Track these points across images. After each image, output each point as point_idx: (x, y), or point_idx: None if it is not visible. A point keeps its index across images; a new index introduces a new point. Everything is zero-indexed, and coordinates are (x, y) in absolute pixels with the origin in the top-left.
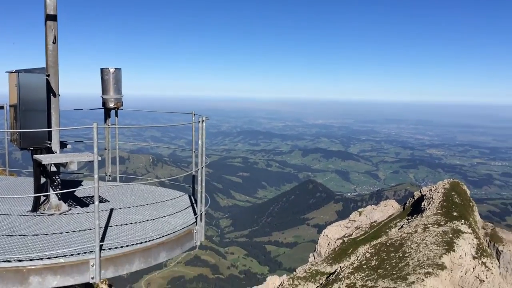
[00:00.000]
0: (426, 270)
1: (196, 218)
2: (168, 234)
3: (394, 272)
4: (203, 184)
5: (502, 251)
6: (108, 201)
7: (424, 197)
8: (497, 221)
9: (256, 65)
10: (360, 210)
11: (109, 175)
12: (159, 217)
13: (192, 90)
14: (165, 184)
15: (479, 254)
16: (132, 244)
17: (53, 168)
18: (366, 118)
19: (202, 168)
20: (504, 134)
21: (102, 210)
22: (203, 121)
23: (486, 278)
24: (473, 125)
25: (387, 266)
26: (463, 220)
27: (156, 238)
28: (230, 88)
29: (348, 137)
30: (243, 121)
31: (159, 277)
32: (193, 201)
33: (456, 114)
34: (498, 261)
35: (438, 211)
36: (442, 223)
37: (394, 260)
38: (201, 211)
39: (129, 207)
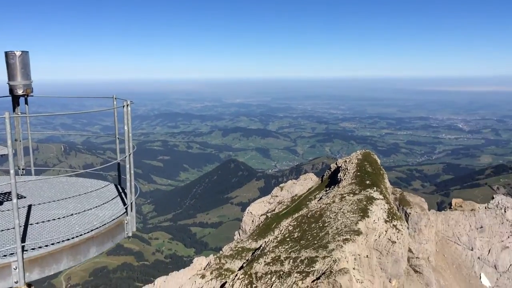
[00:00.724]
0: (344, 237)
1: (126, 208)
2: (97, 228)
3: (315, 242)
4: (132, 172)
5: (410, 213)
6: (25, 197)
7: (340, 168)
8: (404, 186)
9: (172, 46)
10: (281, 185)
11: (23, 169)
12: (84, 210)
13: (105, 74)
14: (86, 174)
15: (390, 218)
16: (58, 242)
17: None
18: (283, 95)
19: (129, 155)
20: (407, 105)
21: (20, 208)
22: (127, 105)
23: (397, 239)
24: (380, 98)
25: (309, 237)
26: (375, 188)
27: (84, 233)
28: (146, 70)
29: (266, 115)
30: (160, 103)
31: (80, 270)
32: (120, 190)
33: (365, 88)
34: (407, 222)
35: (353, 181)
36: (357, 192)
37: (315, 231)
38: (131, 200)
39: (49, 202)
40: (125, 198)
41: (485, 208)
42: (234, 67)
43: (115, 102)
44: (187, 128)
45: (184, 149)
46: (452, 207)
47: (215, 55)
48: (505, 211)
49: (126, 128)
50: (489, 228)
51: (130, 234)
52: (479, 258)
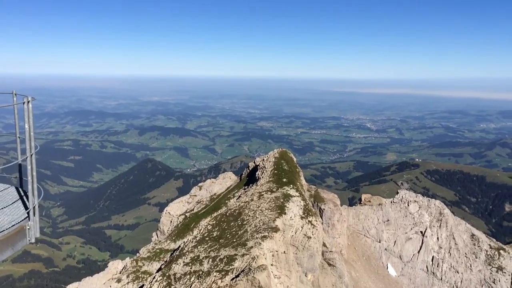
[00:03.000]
0: (262, 234)
1: (28, 213)
2: None
3: (234, 240)
4: (34, 173)
5: (323, 209)
6: None
7: (258, 167)
8: (318, 183)
9: (83, 40)
10: (200, 184)
11: None
12: None
13: (6, 67)
14: None
15: (306, 214)
16: None
17: None
18: (201, 94)
19: (31, 155)
20: (320, 105)
21: None
22: (28, 102)
23: (313, 234)
24: (295, 98)
25: (228, 235)
26: (291, 185)
27: None
28: (54, 65)
29: (184, 114)
30: (70, 100)
31: None
32: (22, 194)
33: (281, 88)
34: (321, 218)
35: (271, 179)
36: (274, 190)
37: (234, 229)
38: (33, 204)
39: None
40: (27, 202)
41: (391, 202)
42: (149, 63)
43: (15, 99)
44: (101, 127)
45: (97, 148)
46: (362, 202)
47: (129, 51)
48: (408, 205)
49: (27, 126)
50: (395, 221)
51: (33, 240)
52: (386, 249)
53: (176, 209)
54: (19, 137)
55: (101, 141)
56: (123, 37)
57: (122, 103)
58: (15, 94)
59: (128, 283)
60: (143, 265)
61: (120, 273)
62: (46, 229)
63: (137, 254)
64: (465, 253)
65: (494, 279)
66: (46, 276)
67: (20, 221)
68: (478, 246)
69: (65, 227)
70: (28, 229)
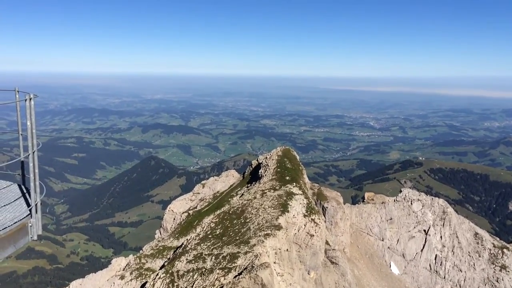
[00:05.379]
0: (265, 232)
1: (30, 210)
2: None
3: (237, 238)
4: (36, 170)
5: (326, 207)
6: None
7: (261, 165)
8: (321, 181)
9: (86, 37)
10: (203, 182)
11: None
12: None
13: (11, 64)
14: None
15: (308, 212)
16: None
17: None
18: (204, 92)
19: (33, 152)
20: (323, 103)
21: None
22: (30, 99)
23: (315, 232)
24: (298, 96)
25: (231, 233)
26: (294, 183)
27: None
28: (57, 62)
29: (187, 111)
30: (74, 98)
31: None
32: (24, 191)
33: (284, 86)
34: (324, 216)
35: (274, 177)
36: (277, 188)
37: (237, 227)
38: (36, 201)
39: None
40: (29, 199)
41: (394, 201)
42: (152, 61)
43: (17, 96)
44: (104, 124)
45: (101, 146)
46: (365, 200)
47: (132, 49)
48: (411, 203)
49: (29, 123)
50: (398, 220)
51: (35, 238)
52: (389, 247)
53: (179, 207)
54: (21, 134)
55: (105, 138)
56: (125, 35)
57: (125, 100)
58: (18, 91)
59: (131, 280)
60: (146, 262)
61: (123, 270)
62: (50, 226)
63: (141, 251)
64: (469, 252)
65: (498, 278)
66: (50, 273)
67: (22, 219)
68: (482, 245)
69: (69, 224)
70: (30, 226)
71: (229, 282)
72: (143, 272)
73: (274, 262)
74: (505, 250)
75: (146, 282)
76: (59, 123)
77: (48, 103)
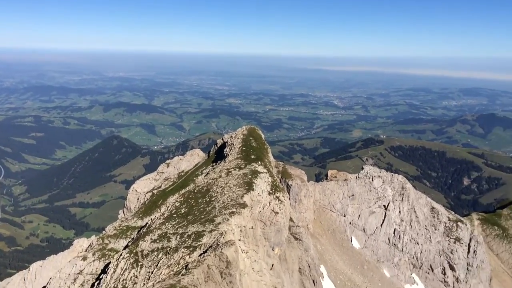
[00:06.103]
0: (230, 210)
1: None
2: None
3: (202, 217)
4: None
5: (291, 185)
6: None
7: (226, 143)
8: (286, 160)
9: (42, 11)
10: (167, 161)
11: None
12: None
13: None
14: None
15: (273, 190)
16: None
17: None
18: (168, 70)
19: None
20: (289, 82)
21: None
22: None
23: (280, 210)
24: (264, 75)
25: (196, 212)
26: (259, 162)
27: None
28: (12, 38)
29: (151, 90)
30: (31, 75)
31: None
32: None
33: (250, 65)
34: (289, 193)
35: (239, 156)
36: (243, 166)
37: (202, 205)
38: None
39: None
40: None
41: (356, 177)
42: (113, 38)
43: None
44: (63, 103)
45: (60, 125)
46: (328, 177)
47: (91, 25)
48: (372, 180)
49: None
50: (359, 196)
51: None
52: (350, 223)
53: (143, 187)
54: None
55: (64, 117)
56: (84, 10)
57: (86, 78)
58: None
59: (94, 261)
60: (110, 242)
61: (85, 251)
62: (7, 207)
63: (103, 232)
64: (425, 225)
65: (452, 250)
66: (9, 255)
67: None
68: (438, 219)
69: (28, 205)
70: None
71: (194, 260)
72: (106, 253)
73: (239, 240)
74: (459, 223)
75: (110, 262)
76: (15, 101)
77: (3, 81)
